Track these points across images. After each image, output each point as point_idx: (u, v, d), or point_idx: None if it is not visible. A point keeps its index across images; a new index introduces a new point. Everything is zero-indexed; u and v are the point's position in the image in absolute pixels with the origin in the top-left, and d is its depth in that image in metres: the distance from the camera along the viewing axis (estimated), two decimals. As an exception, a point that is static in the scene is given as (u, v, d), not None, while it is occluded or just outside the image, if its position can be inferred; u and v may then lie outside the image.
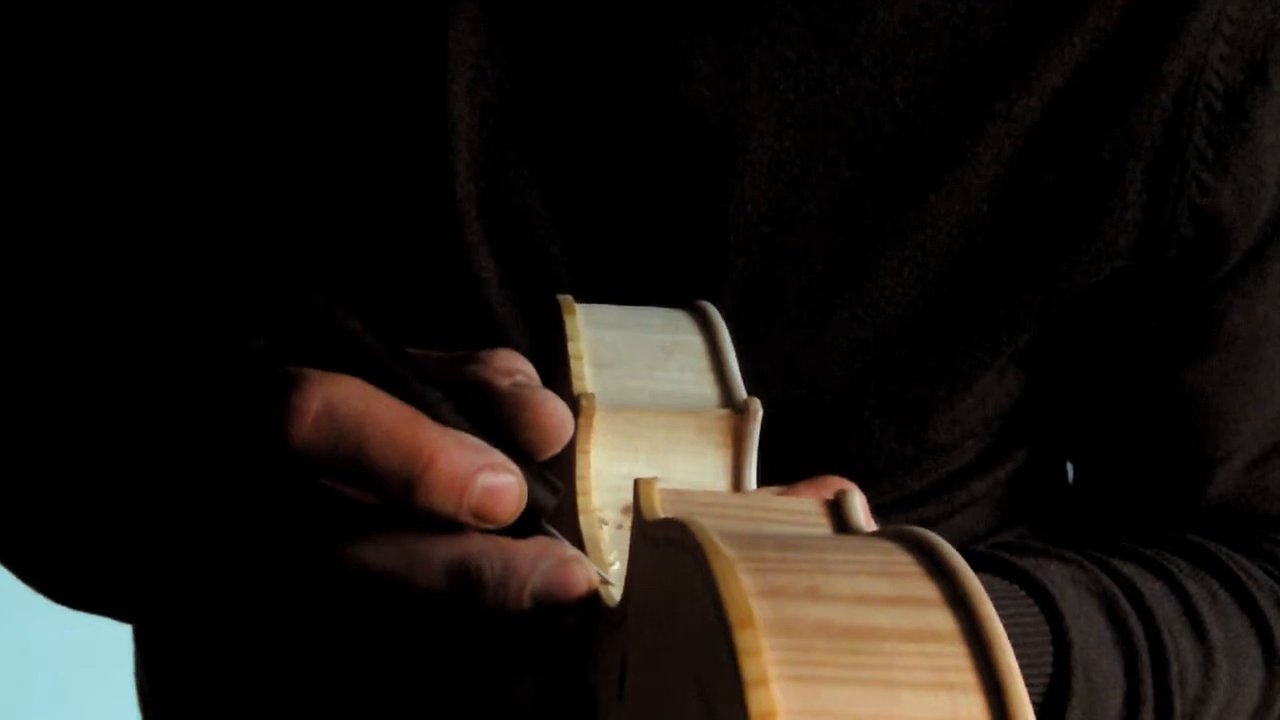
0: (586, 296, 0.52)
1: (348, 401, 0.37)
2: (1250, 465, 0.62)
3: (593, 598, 0.39)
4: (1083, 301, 0.57)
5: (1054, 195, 0.54)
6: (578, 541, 0.42)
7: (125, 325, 0.52)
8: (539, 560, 0.38)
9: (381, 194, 0.53)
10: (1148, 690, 0.53)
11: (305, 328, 0.38)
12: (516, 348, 0.45)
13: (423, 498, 0.37)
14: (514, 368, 0.42)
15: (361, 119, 0.53)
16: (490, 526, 0.38)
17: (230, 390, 0.39)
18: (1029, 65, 0.53)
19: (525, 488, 0.38)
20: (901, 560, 0.29)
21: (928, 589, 0.28)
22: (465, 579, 0.37)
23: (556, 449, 0.40)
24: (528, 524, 0.39)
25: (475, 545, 0.38)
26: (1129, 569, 0.56)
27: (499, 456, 0.38)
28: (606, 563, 0.41)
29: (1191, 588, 0.57)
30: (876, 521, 0.36)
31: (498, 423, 0.39)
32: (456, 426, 0.38)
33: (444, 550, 0.37)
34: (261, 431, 0.37)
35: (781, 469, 0.46)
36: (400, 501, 0.37)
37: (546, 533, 0.40)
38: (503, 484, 0.37)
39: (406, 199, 0.53)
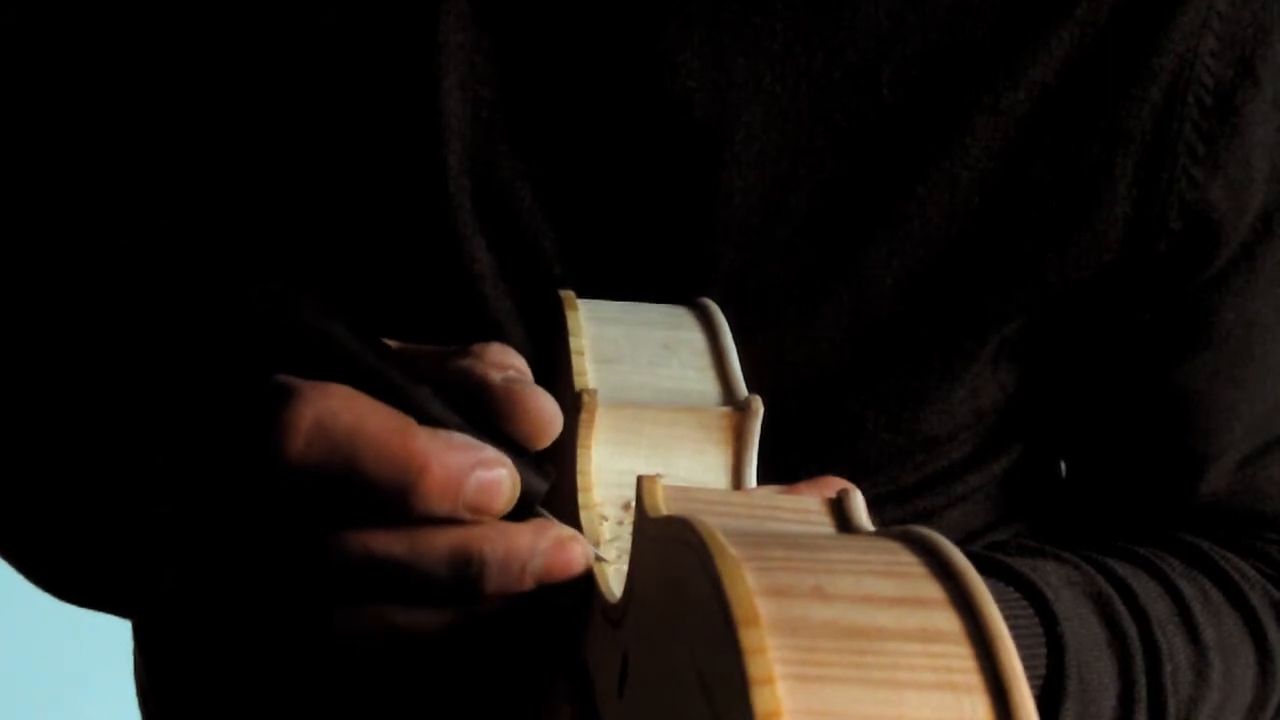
0: (579, 289, 0.52)
1: (339, 415, 0.38)
2: (1242, 463, 0.63)
3: (588, 576, 0.40)
4: (1074, 296, 0.57)
5: (1043, 189, 0.54)
6: None
7: (117, 326, 0.52)
8: (537, 541, 0.39)
9: (375, 190, 0.53)
10: (1142, 691, 0.53)
11: (288, 332, 0.39)
12: (512, 341, 0.45)
13: (419, 504, 0.38)
14: (506, 362, 0.42)
15: (354, 115, 0.53)
16: (486, 518, 0.39)
17: (222, 406, 0.40)
18: (1016, 59, 0.53)
19: (518, 478, 0.39)
20: (906, 561, 0.29)
21: (932, 590, 0.28)
22: (467, 565, 0.39)
23: (546, 442, 0.41)
24: (523, 509, 0.40)
25: (476, 531, 0.39)
26: (1123, 569, 0.56)
27: (490, 452, 0.39)
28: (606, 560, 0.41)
29: (1185, 588, 0.57)
30: (871, 514, 0.36)
31: (489, 417, 0.40)
32: (445, 420, 0.39)
33: (446, 538, 0.38)
34: (254, 449, 0.38)
35: (774, 461, 0.47)
36: (397, 508, 0.38)
37: (540, 515, 0.41)
38: (495, 478, 0.39)
39: (400, 194, 0.53)
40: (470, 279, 0.54)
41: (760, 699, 0.25)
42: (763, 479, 0.46)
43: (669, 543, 0.31)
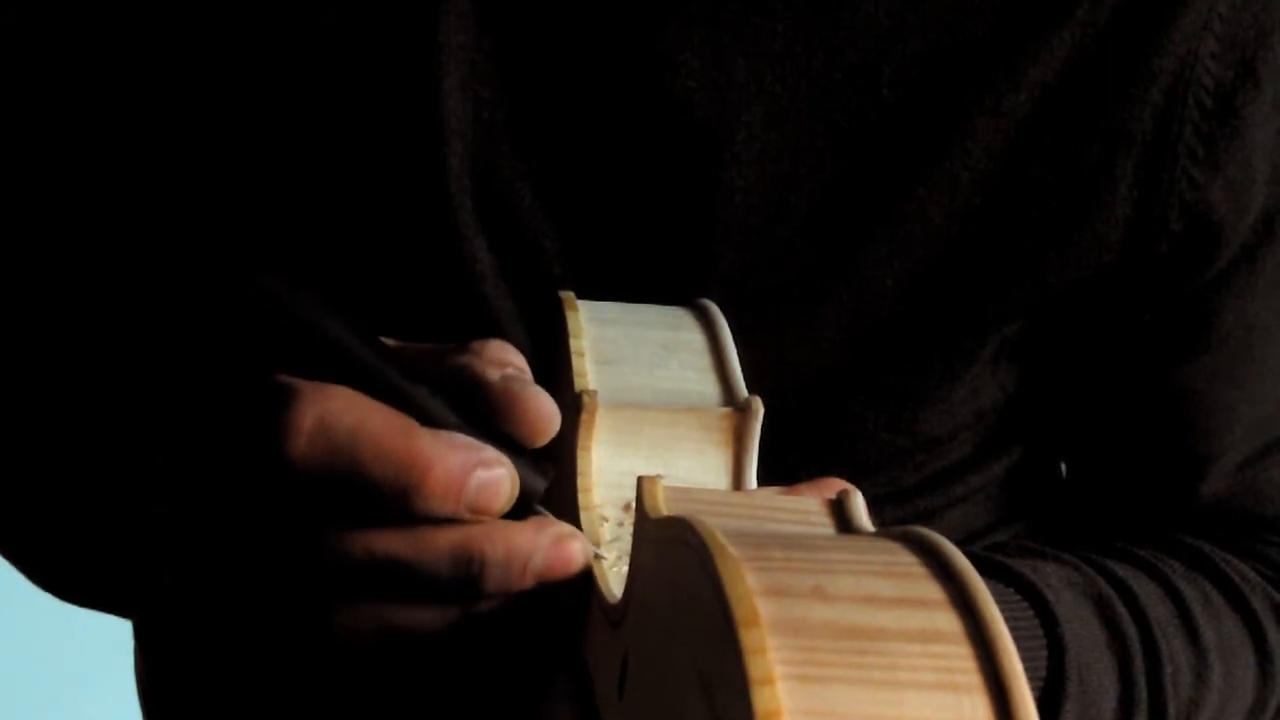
0: (580, 289, 0.52)
1: (341, 416, 0.38)
2: (1242, 464, 0.63)
3: (588, 574, 0.40)
4: (1074, 296, 0.57)
5: (1044, 189, 0.54)
6: None
7: (117, 325, 0.52)
8: (537, 539, 0.39)
9: (376, 190, 0.53)
10: (1142, 693, 0.53)
11: (287, 331, 0.39)
12: (513, 341, 0.45)
13: (421, 504, 0.38)
14: (505, 359, 0.42)
15: (355, 115, 0.53)
16: (486, 518, 0.39)
17: (223, 405, 0.40)
18: (1017, 60, 0.53)
19: (517, 478, 0.40)
20: (907, 561, 0.29)
21: (933, 590, 0.28)
22: (468, 564, 0.39)
23: (544, 441, 0.41)
24: (521, 508, 0.40)
25: (476, 530, 0.39)
26: (1124, 571, 0.56)
27: (489, 452, 0.39)
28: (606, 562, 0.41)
29: (1185, 590, 0.57)
30: (871, 514, 0.36)
31: (487, 416, 0.40)
32: (445, 421, 0.40)
33: (447, 537, 0.39)
34: (256, 449, 0.38)
35: (774, 461, 0.47)
36: (399, 508, 0.38)
37: (539, 513, 0.41)
38: (495, 478, 0.39)
39: (401, 194, 0.53)
40: (471, 279, 0.54)
41: (761, 699, 0.25)
42: (763, 479, 0.46)
43: (669, 543, 0.31)
